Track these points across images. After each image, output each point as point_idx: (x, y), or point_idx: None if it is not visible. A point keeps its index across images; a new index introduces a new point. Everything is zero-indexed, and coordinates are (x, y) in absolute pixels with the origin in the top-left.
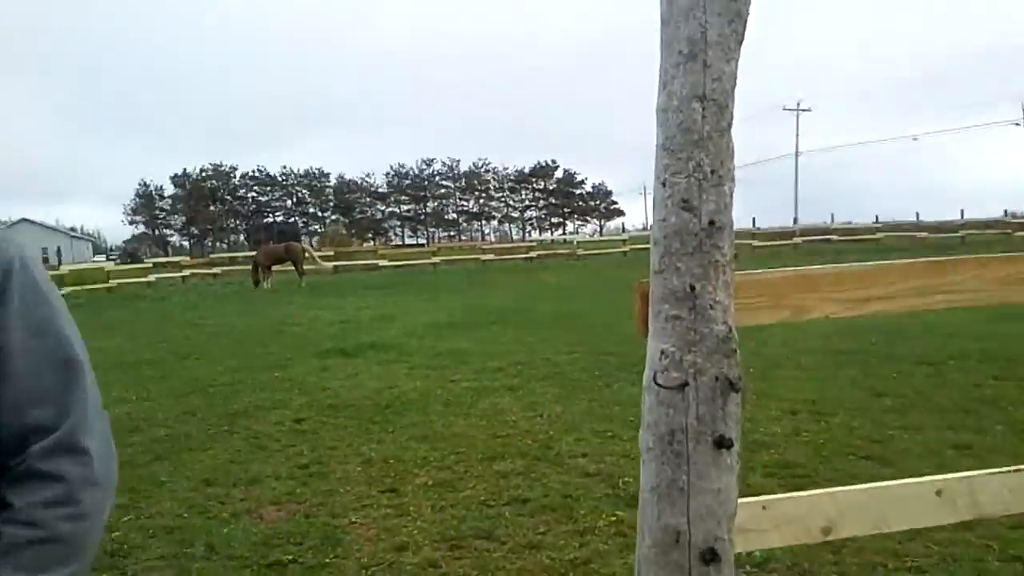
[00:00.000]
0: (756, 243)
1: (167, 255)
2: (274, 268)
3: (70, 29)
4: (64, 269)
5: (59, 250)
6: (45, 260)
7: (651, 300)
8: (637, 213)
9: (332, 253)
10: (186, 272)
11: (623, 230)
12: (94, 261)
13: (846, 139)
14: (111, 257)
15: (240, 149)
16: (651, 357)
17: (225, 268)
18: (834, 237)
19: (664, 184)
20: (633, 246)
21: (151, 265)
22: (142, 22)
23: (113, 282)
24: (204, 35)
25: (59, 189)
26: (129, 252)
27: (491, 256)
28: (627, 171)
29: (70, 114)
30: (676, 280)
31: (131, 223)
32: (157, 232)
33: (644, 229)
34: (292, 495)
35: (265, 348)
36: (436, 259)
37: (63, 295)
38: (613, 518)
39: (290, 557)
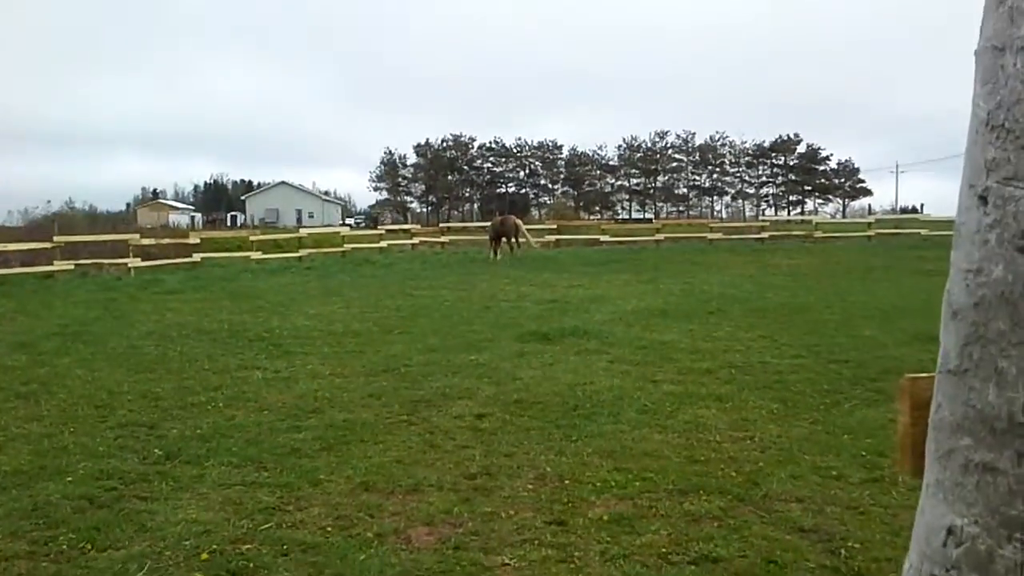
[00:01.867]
0: None
1: (406, 221)
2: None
3: (331, 15)
4: (303, 232)
5: (310, 213)
6: (298, 220)
7: (933, 421)
8: (886, 193)
9: (555, 226)
10: (415, 240)
11: (869, 211)
12: (343, 224)
13: None
14: (357, 221)
15: (480, 121)
16: (925, 531)
17: (453, 237)
18: None
19: (985, 197)
20: (879, 230)
21: (383, 232)
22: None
23: (347, 247)
24: (447, 15)
25: (317, 156)
26: (372, 217)
27: (719, 235)
28: (878, 147)
29: (329, 89)
30: (995, 395)
31: (375, 189)
32: (398, 198)
33: (892, 211)
34: (449, 514)
35: (468, 326)
36: (660, 236)
37: (301, 256)
38: None
39: None
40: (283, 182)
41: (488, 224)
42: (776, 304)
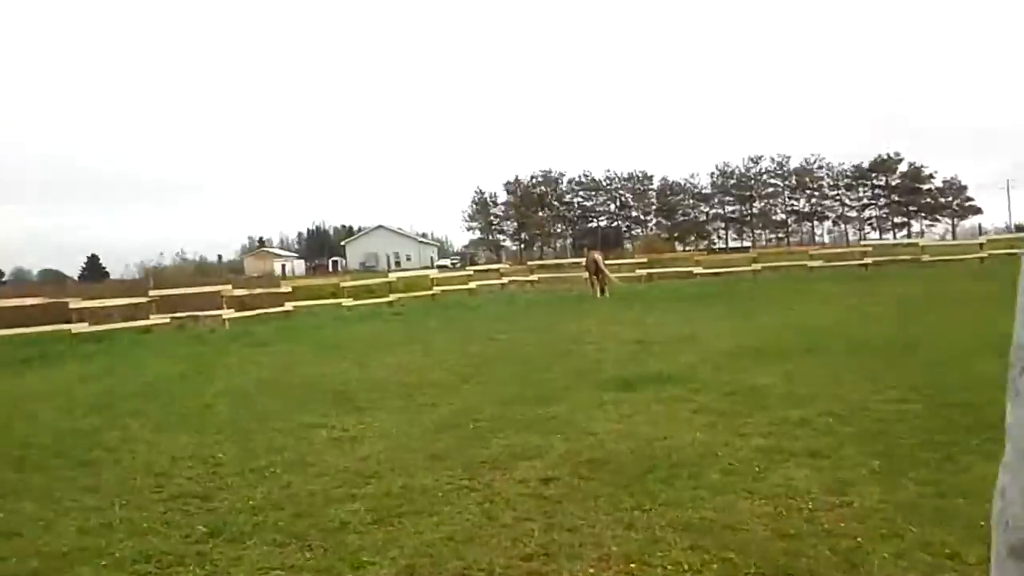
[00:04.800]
0: None
1: (499, 259)
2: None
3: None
4: (392, 276)
5: (407, 256)
6: (397, 263)
7: None
8: (998, 211)
9: (644, 260)
10: (505, 279)
11: (979, 231)
12: (438, 265)
13: None
14: (453, 262)
15: (568, 155)
16: None
17: (542, 275)
18: None
19: None
20: (992, 251)
21: (472, 273)
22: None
23: (437, 289)
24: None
25: (413, 198)
26: (466, 257)
27: (819, 262)
28: (988, 162)
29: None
30: None
31: (468, 229)
32: (491, 237)
33: (1007, 229)
34: None
35: (547, 372)
36: (756, 265)
37: (392, 302)
38: None
39: None
40: (380, 226)
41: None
42: (881, 339)
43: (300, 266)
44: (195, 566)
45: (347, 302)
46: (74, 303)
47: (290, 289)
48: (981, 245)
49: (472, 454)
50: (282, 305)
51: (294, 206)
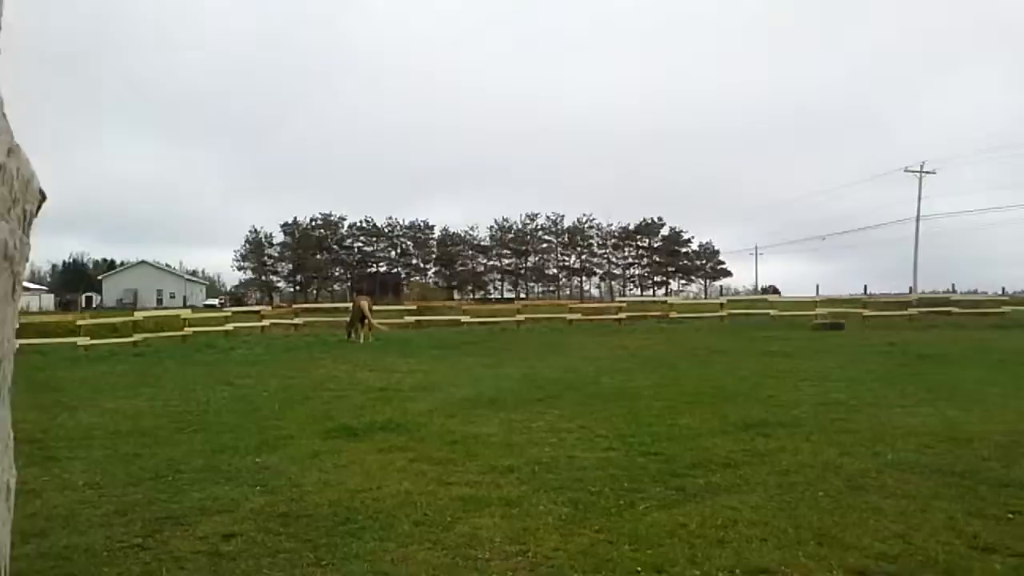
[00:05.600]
0: (867, 312)
1: (271, 301)
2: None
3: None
4: (139, 315)
5: (171, 294)
6: (159, 301)
7: None
8: (747, 274)
9: (414, 307)
10: (266, 322)
11: (720, 292)
12: (206, 304)
13: (973, 203)
14: (221, 302)
15: (350, 201)
16: None
17: (308, 319)
18: (955, 309)
19: None
20: (732, 310)
21: (229, 314)
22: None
23: (189, 330)
24: (327, 89)
25: (187, 235)
26: (236, 297)
27: (578, 315)
28: (740, 230)
29: (202, 167)
30: None
31: (239, 269)
32: (264, 278)
33: (754, 291)
34: None
35: (276, 420)
36: (520, 316)
37: (136, 341)
38: None
39: None
40: (143, 261)
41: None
42: (609, 390)
43: (49, 300)
44: None
45: (83, 341)
46: None
47: (16, 325)
48: (722, 304)
49: (158, 509)
50: None
51: (52, 236)
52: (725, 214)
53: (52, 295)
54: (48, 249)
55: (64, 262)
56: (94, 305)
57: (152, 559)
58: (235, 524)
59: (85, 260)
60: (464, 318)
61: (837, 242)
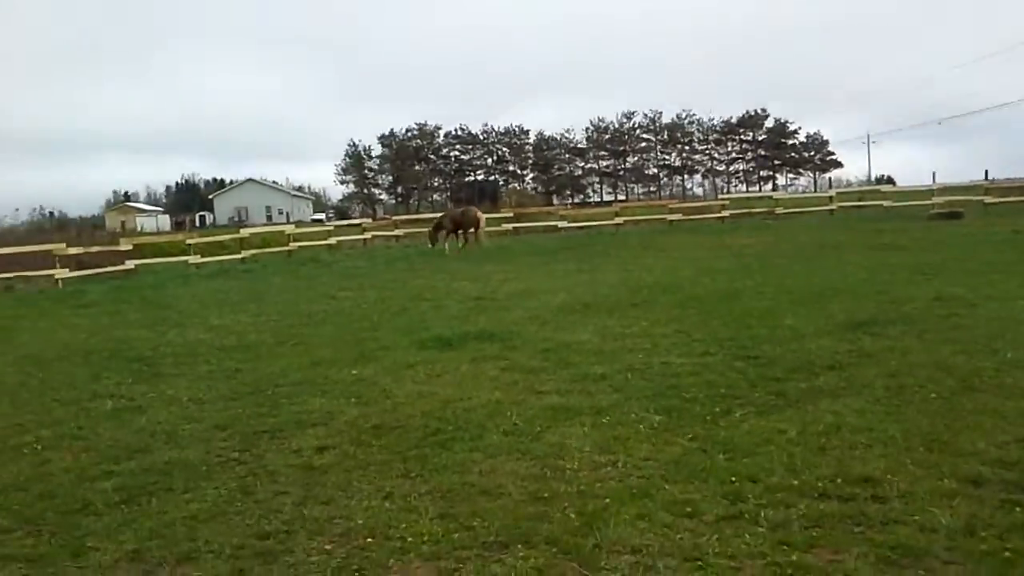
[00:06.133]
0: (989, 199)
1: (375, 213)
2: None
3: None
4: (245, 232)
5: (280, 210)
6: (268, 218)
7: None
8: (860, 165)
9: (511, 214)
10: (367, 235)
11: (829, 184)
12: (312, 219)
13: None
14: (329, 216)
15: (447, 109)
16: None
17: (407, 230)
18: None
19: None
20: (842, 203)
21: (332, 228)
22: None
23: (294, 245)
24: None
25: (293, 150)
26: (340, 211)
27: (679, 216)
28: (848, 119)
29: (307, 82)
30: None
31: (342, 183)
32: (366, 191)
33: (866, 182)
34: None
35: (373, 332)
36: (619, 219)
37: (244, 258)
38: None
39: None
40: (250, 179)
41: (439, 216)
42: (709, 292)
43: (166, 221)
44: None
45: (194, 259)
46: None
47: (130, 247)
48: (831, 197)
49: (256, 423)
50: (123, 263)
51: (165, 159)
52: (834, 102)
53: (167, 216)
54: (162, 171)
55: (177, 183)
56: (207, 224)
57: (248, 473)
58: (329, 437)
59: (197, 180)
60: (561, 223)
61: (956, 126)
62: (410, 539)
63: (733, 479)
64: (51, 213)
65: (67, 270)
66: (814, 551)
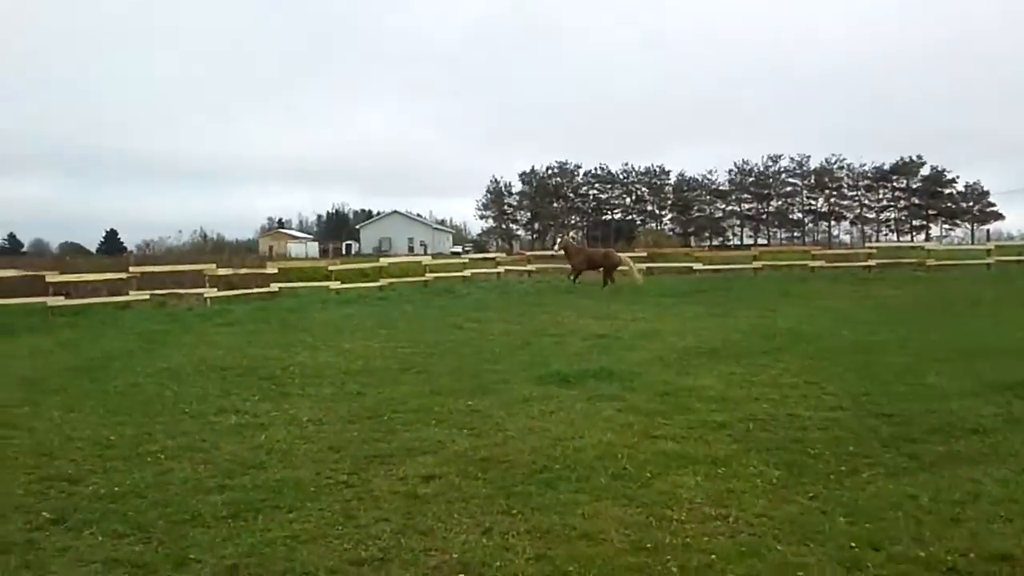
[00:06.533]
0: None
1: (511, 249)
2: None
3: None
4: (384, 262)
5: (422, 242)
6: (410, 249)
7: None
8: (1021, 216)
9: (645, 254)
10: (501, 268)
11: (987, 237)
12: (452, 252)
13: None
14: (466, 248)
15: (585, 149)
16: None
17: (540, 266)
18: None
19: None
20: (1000, 257)
21: (467, 260)
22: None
23: (429, 275)
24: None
25: (433, 186)
26: (479, 245)
27: (821, 262)
28: (1009, 168)
29: (455, 119)
30: None
31: (482, 218)
32: (505, 226)
33: None
34: None
35: (494, 364)
36: (757, 263)
37: (382, 287)
38: None
39: None
40: (395, 211)
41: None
42: (847, 343)
43: (314, 248)
44: (17, 555)
45: (335, 285)
46: (51, 276)
47: (276, 270)
48: (988, 251)
49: (368, 448)
50: (268, 286)
51: (318, 190)
52: (997, 148)
53: (316, 243)
54: (315, 202)
55: (328, 213)
56: (352, 252)
57: (353, 496)
58: (437, 466)
59: (346, 210)
60: (696, 265)
61: None
62: None
63: (853, 545)
64: (204, 235)
65: (216, 289)
66: None
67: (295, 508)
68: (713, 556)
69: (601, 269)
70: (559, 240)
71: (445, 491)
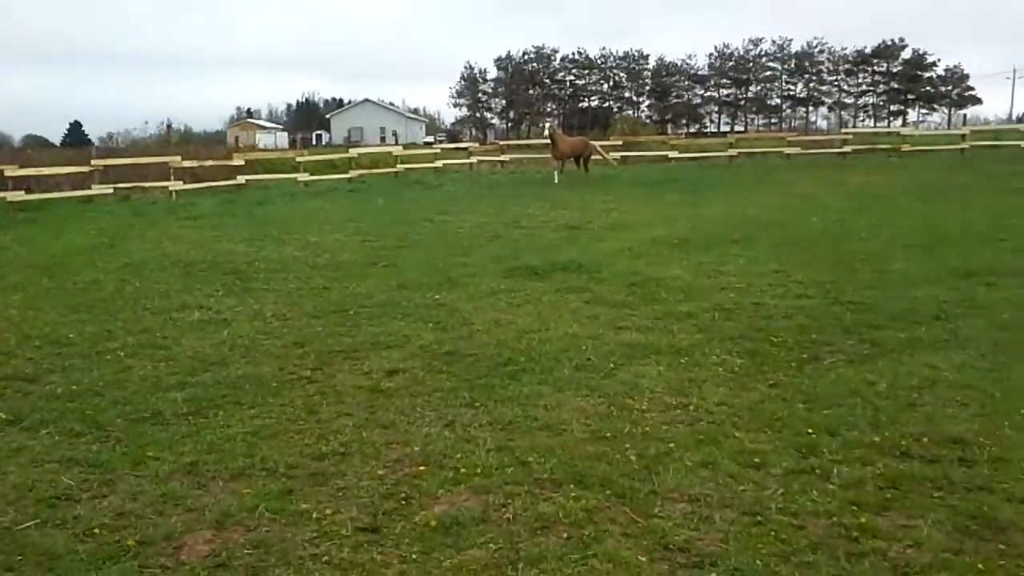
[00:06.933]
0: None
1: (486, 138)
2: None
3: None
4: (354, 152)
5: (394, 132)
6: (382, 139)
7: None
8: (1000, 101)
9: (620, 142)
10: (473, 159)
11: (963, 122)
12: (424, 142)
13: None
14: (439, 138)
15: (563, 32)
16: None
17: (514, 156)
18: None
19: None
20: (975, 142)
21: (438, 151)
22: None
23: (401, 167)
24: None
25: (411, 72)
26: (452, 135)
27: (797, 149)
28: (993, 52)
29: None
30: None
31: (455, 106)
32: (478, 115)
33: (1008, 121)
34: (252, 513)
35: (463, 258)
36: (732, 151)
37: (352, 178)
38: None
39: None
40: (367, 100)
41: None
42: (816, 231)
43: (283, 139)
44: None
45: (303, 176)
46: (10, 170)
47: (242, 162)
48: (963, 136)
49: (332, 343)
50: (234, 178)
51: (289, 77)
52: (978, 32)
53: (285, 133)
54: (286, 92)
55: (297, 101)
56: (323, 143)
57: (316, 392)
58: (402, 360)
59: (316, 99)
60: (672, 153)
61: None
62: (463, 470)
63: (810, 431)
64: (170, 126)
65: (181, 182)
66: (886, 514)
67: (256, 404)
68: (671, 444)
69: (580, 158)
70: (547, 126)
71: (409, 385)
